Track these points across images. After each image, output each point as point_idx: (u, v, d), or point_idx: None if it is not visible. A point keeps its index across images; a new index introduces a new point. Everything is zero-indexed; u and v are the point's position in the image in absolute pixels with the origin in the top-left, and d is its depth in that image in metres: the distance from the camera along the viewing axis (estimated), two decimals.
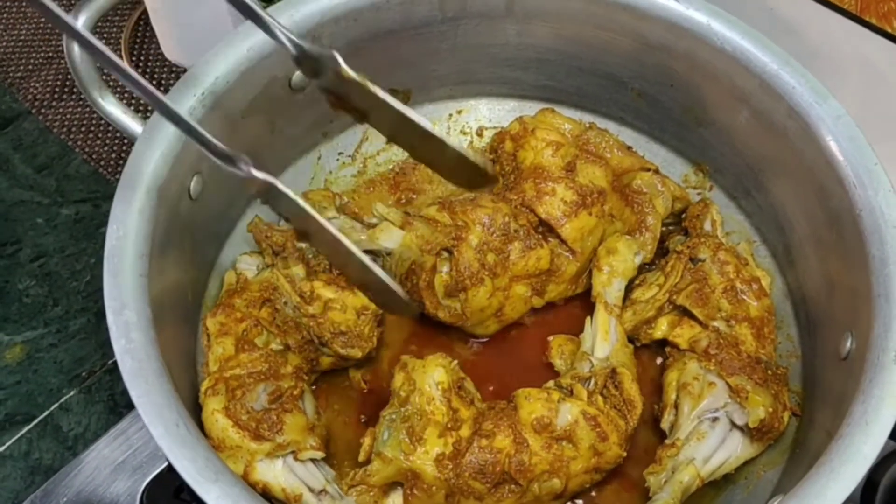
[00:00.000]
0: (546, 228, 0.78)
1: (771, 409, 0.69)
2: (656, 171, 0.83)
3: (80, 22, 0.64)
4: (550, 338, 0.78)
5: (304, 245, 0.76)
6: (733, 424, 0.71)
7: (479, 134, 0.90)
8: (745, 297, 0.75)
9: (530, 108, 0.86)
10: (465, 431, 0.66)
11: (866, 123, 0.71)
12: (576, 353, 0.76)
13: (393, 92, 0.86)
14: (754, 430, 0.69)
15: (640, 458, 0.73)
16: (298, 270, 0.74)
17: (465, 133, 0.90)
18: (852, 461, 0.57)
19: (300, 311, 0.72)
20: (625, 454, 0.70)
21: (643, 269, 0.82)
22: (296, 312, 0.72)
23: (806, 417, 0.72)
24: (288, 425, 0.66)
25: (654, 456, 0.70)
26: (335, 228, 0.55)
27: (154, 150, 0.65)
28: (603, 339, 0.74)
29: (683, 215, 0.84)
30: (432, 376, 0.67)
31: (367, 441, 0.67)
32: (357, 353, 0.73)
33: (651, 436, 0.74)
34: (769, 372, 0.72)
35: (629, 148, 0.84)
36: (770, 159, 0.77)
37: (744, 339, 0.74)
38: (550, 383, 0.73)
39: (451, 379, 0.67)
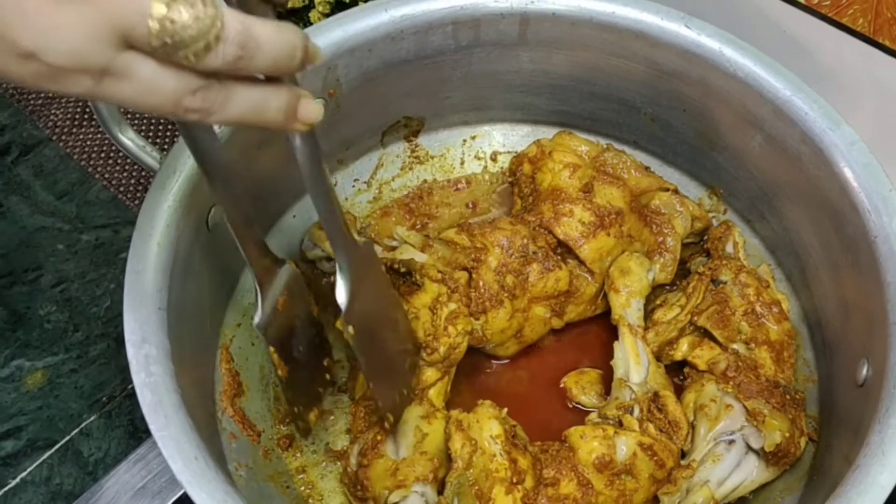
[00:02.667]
0: (565, 250, 0.79)
1: (788, 434, 0.69)
2: (675, 191, 0.84)
3: None
4: (563, 380, 0.78)
5: None
6: (749, 448, 0.71)
7: (494, 159, 0.91)
8: (765, 321, 0.75)
9: (544, 133, 0.87)
10: (529, 483, 0.66)
11: (880, 145, 0.71)
12: (594, 383, 0.77)
13: (407, 119, 0.87)
14: (770, 454, 0.69)
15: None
16: None
17: (479, 158, 0.91)
18: (869, 492, 0.57)
19: None
20: None
21: (664, 289, 0.82)
22: None
23: (823, 443, 0.72)
24: (372, 480, 0.67)
25: (670, 476, 0.70)
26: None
27: (172, 183, 0.66)
28: (636, 363, 0.74)
29: (705, 237, 0.84)
30: (489, 431, 0.67)
31: None
32: (437, 357, 0.72)
33: None
34: (787, 396, 0.72)
35: (647, 168, 0.85)
36: (784, 184, 0.77)
37: (763, 362, 0.74)
38: (594, 416, 0.73)
39: (505, 429, 0.67)
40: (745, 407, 0.70)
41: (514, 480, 0.65)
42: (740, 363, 0.73)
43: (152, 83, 0.43)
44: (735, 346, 0.74)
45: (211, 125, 0.54)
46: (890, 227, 0.66)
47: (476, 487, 0.65)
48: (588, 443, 0.68)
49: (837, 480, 0.59)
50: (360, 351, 0.64)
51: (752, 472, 0.71)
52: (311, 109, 0.50)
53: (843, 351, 0.72)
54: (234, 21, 0.43)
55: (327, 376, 0.74)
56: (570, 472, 0.67)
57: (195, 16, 0.41)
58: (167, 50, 0.42)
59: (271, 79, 0.47)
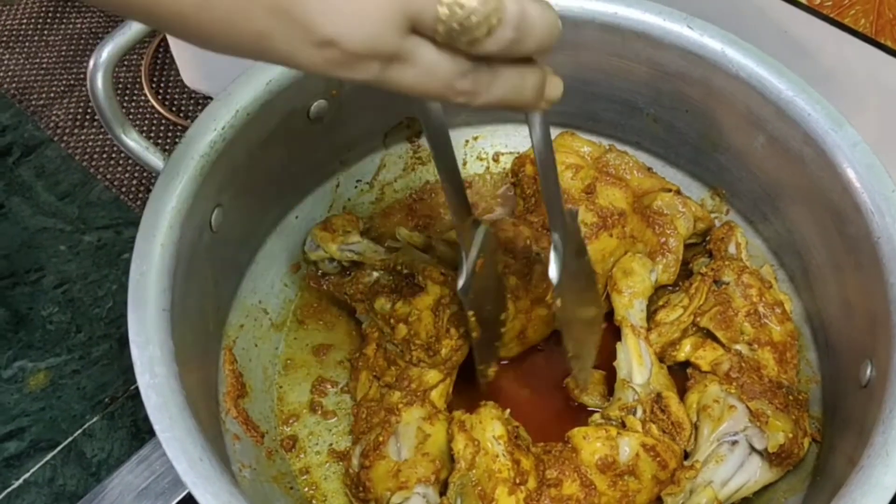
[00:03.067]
0: None
1: (791, 435, 0.69)
2: (677, 192, 0.84)
3: (104, 56, 0.65)
4: (566, 381, 0.78)
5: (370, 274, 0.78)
6: (752, 448, 0.71)
7: (496, 160, 0.91)
8: (767, 322, 0.75)
9: None
10: (531, 483, 0.66)
11: (883, 146, 0.71)
12: (597, 383, 0.77)
13: (409, 120, 0.87)
14: (773, 455, 0.69)
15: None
16: (383, 305, 0.75)
17: (481, 159, 0.91)
18: (873, 493, 0.57)
19: (399, 346, 0.74)
20: None
21: (666, 290, 0.82)
22: (399, 348, 0.74)
23: (827, 443, 0.72)
24: (374, 481, 0.67)
25: (673, 477, 0.70)
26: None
27: (176, 185, 0.66)
28: (638, 363, 0.74)
29: (708, 237, 0.84)
30: (492, 431, 0.67)
31: None
32: (439, 359, 0.72)
33: None
34: (790, 397, 0.72)
35: (649, 169, 0.85)
36: (786, 185, 0.77)
37: (766, 363, 0.74)
38: (597, 416, 0.73)
39: (507, 430, 0.68)
40: (748, 408, 0.70)
41: (517, 481, 0.66)
42: (743, 364, 0.73)
43: (431, 68, 0.43)
44: (738, 346, 0.74)
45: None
46: (893, 228, 0.66)
47: (479, 488, 0.65)
48: (591, 444, 0.68)
49: (841, 481, 0.59)
50: (563, 322, 0.68)
51: (755, 473, 0.71)
52: (558, 87, 0.50)
53: (846, 352, 0.72)
54: (513, 3, 0.42)
55: (502, 330, 0.74)
56: (573, 473, 0.67)
57: (482, 0, 0.41)
58: (452, 35, 0.42)
59: (528, 59, 0.47)
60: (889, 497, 0.56)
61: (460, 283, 0.63)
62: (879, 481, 0.57)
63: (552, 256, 0.63)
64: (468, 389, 0.76)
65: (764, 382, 0.72)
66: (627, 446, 0.68)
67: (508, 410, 0.70)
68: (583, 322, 0.72)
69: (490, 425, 0.67)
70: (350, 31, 0.40)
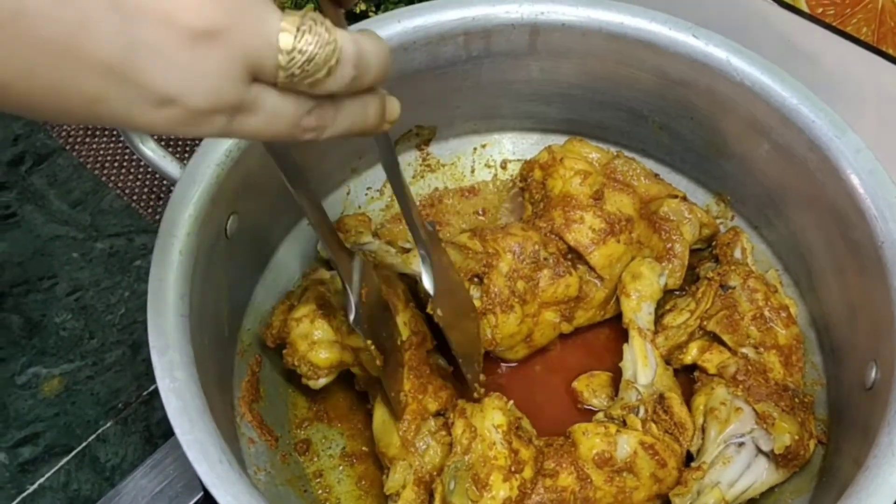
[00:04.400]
0: (575, 256, 0.80)
1: (797, 437, 0.70)
2: (684, 199, 0.85)
3: None
4: (574, 384, 0.79)
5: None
6: (759, 450, 0.72)
7: (503, 167, 0.92)
8: (773, 325, 0.76)
9: (553, 141, 0.88)
10: (527, 473, 0.67)
11: (885, 152, 0.72)
12: (605, 386, 0.78)
13: (418, 128, 0.88)
14: (780, 456, 0.70)
15: None
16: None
17: (489, 166, 0.92)
18: (879, 492, 0.58)
19: None
20: None
21: (673, 294, 0.83)
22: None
23: (832, 445, 0.73)
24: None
25: (681, 478, 0.71)
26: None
27: (193, 193, 0.67)
28: (644, 365, 0.75)
29: (714, 243, 0.85)
30: (491, 420, 0.68)
31: (437, 491, 0.68)
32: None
33: None
34: (796, 400, 0.73)
35: (656, 175, 0.86)
36: (791, 190, 0.78)
37: (772, 366, 0.75)
38: (601, 415, 0.74)
39: (509, 420, 0.69)
40: (754, 410, 0.71)
41: (513, 469, 0.67)
42: (749, 367, 0.74)
43: (275, 112, 0.43)
44: (744, 350, 0.75)
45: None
46: None
47: (473, 472, 0.66)
48: (590, 439, 0.70)
49: (847, 482, 0.60)
50: (450, 329, 0.70)
51: (761, 475, 0.72)
52: (395, 107, 0.51)
53: (850, 354, 0.73)
54: (349, 42, 0.43)
55: (401, 355, 0.74)
56: (570, 466, 0.68)
57: (320, 44, 0.41)
58: (293, 80, 0.42)
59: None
60: (895, 498, 0.57)
61: (351, 315, 0.64)
62: (886, 481, 0.58)
63: (423, 270, 0.67)
64: (482, 388, 0.77)
65: (770, 385, 0.73)
66: (626, 444, 0.70)
67: (512, 402, 0.71)
68: (464, 326, 0.74)
69: (490, 414, 0.69)
70: (191, 89, 0.39)
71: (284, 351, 0.74)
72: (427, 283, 0.67)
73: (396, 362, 0.72)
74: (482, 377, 0.76)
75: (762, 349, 0.75)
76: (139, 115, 0.39)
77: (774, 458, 0.71)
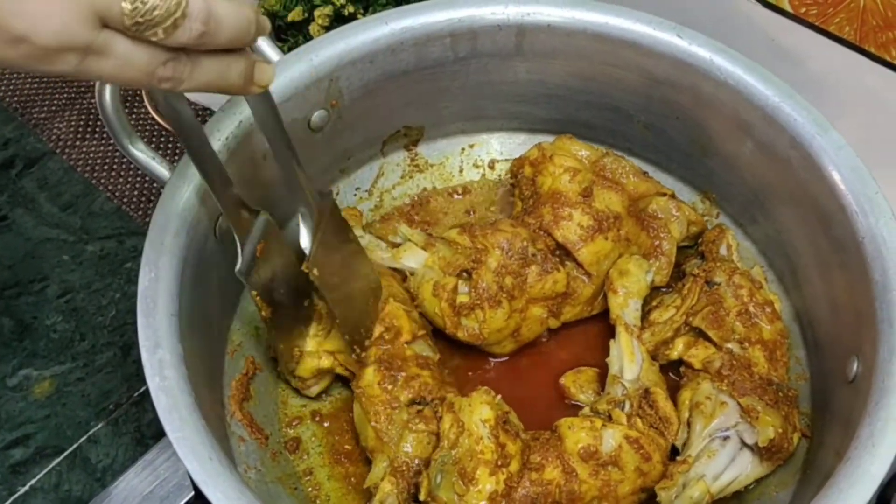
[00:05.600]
0: (563, 252, 0.81)
1: (781, 430, 0.71)
2: (672, 196, 0.86)
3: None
4: (561, 380, 0.80)
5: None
6: (743, 444, 0.73)
7: (491, 167, 0.92)
8: (758, 321, 0.77)
9: (540, 141, 0.89)
10: (514, 466, 0.68)
11: (867, 149, 0.73)
12: (591, 381, 0.79)
13: (407, 129, 0.89)
14: (764, 449, 0.71)
15: None
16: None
17: (477, 166, 0.93)
18: (861, 482, 0.58)
19: None
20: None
21: (660, 291, 0.84)
22: None
23: (816, 439, 0.74)
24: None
25: (666, 471, 0.72)
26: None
27: (183, 193, 0.67)
28: (630, 360, 0.76)
29: (700, 239, 0.86)
30: (479, 415, 0.69)
31: (423, 485, 0.69)
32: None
33: None
34: (780, 394, 0.74)
35: (645, 173, 0.86)
36: (774, 188, 0.79)
37: (756, 361, 0.75)
38: (587, 410, 0.75)
39: (496, 415, 0.69)
40: (739, 404, 0.72)
41: (500, 463, 0.67)
42: (734, 362, 0.75)
43: (128, 58, 0.48)
44: (729, 345, 0.76)
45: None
46: (877, 228, 0.69)
47: (460, 466, 0.67)
48: (575, 433, 0.70)
49: (830, 474, 0.61)
50: (325, 289, 0.72)
51: (746, 468, 0.72)
52: (266, 72, 0.56)
53: (833, 348, 0.74)
54: (198, 1, 0.48)
55: (309, 315, 0.78)
56: (556, 460, 0.69)
57: None
58: (139, 29, 0.47)
59: (231, 50, 0.53)
60: (876, 486, 0.58)
61: (238, 265, 0.67)
62: (866, 471, 0.59)
63: (302, 226, 0.71)
64: (465, 384, 0.78)
65: (755, 380, 0.74)
66: (611, 438, 0.70)
67: (500, 396, 0.72)
68: (350, 292, 0.76)
69: (478, 409, 0.69)
70: (39, 28, 0.44)
71: (278, 367, 0.78)
72: (304, 241, 0.71)
73: (296, 320, 0.76)
74: (366, 343, 0.76)
75: (747, 344, 0.76)
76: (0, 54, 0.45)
77: (759, 452, 0.72)
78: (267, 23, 0.55)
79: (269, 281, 0.70)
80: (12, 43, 0.45)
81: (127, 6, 0.46)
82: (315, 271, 0.71)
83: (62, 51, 0.46)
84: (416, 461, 0.71)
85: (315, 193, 0.71)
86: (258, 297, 0.70)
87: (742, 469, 0.72)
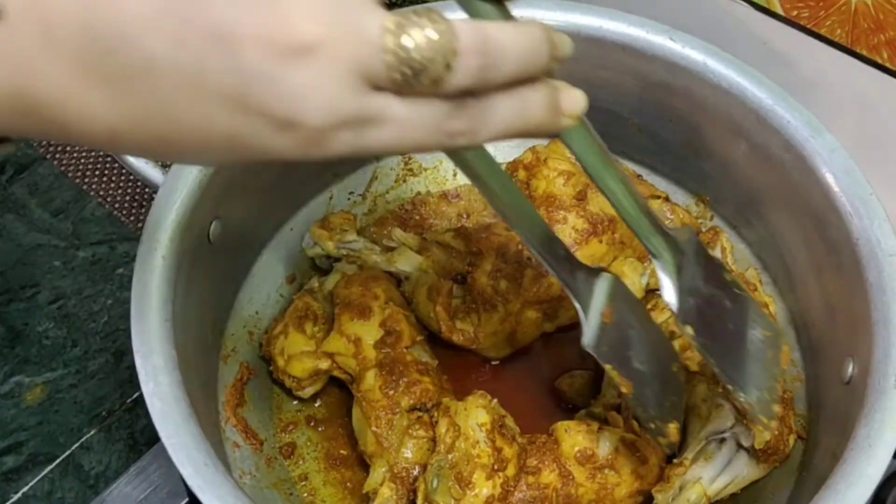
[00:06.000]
0: None
1: (776, 432, 0.71)
2: (666, 199, 0.86)
3: None
4: (557, 383, 0.80)
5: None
6: (740, 446, 0.72)
7: None
8: None
9: (534, 144, 0.89)
10: (510, 470, 0.68)
11: (860, 150, 0.74)
12: (587, 384, 0.79)
13: None
14: (760, 452, 0.71)
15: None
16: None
17: None
18: (857, 484, 0.58)
19: None
20: None
21: (654, 294, 0.84)
22: None
23: (812, 441, 0.74)
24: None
25: (663, 474, 0.72)
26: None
27: (176, 198, 0.67)
28: None
29: None
30: (475, 419, 0.69)
31: (420, 490, 0.69)
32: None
33: None
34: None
35: (639, 177, 0.87)
36: (768, 190, 0.79)
37: None
38: (583, 413, 0.75)
39: (492, 418, 0.69)
40: (735, 406, 0.72)
41: (496, 467, 0.67)
42: None
43: (408, 120, 0.40)
44: None
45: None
46: (871, 230, 0.69)
47: (456, 470, 0.67)
48: (572, 436, 0.70)
49: (826, 476, 0.61)
50: (706, 350, 0.59)
51: (742, 470, 0.72)
52: (575, 98, 0.46)
53: (829, 350, 0.74)
54: (468, 30, 0.39)
55: (680, 380, 0.66)
56: (553, 464, 0.69)
57: (426, 37, 0.38)
58: (409, 80, 0.39)
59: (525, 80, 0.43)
60: (872, 488, 0.58)
61: (584, 338, 0.58)
62: (863, 473, 0.59)
63: (661, 275, 0.59)
64: (460, 388, 0.78)
65: None
66: (608, 441, 0.70)
67: (496, 400, 0.71)
68: (733, 346, 0.62)
69: (474, 413, 0.69)
70: (305, 107, 0.38)
71: (270, 367, 0.77)
72: (668, 293, 0.58)
73: (663, 390, 0.63)
74: (773, 409, 0.63)
75: None
76: (270, 143, 0.39)
77: (755, 454, 0.72)
78: (565, 39, 0.45)
79: (625, 349, 0.60)
80: (281, 130, 0.38)
81: (389, 58, 0.38)
82: (689, 329, 0.58)
83: (336, 128, 0.38)
84: (416, 467, 0.70)
85: (671, 232, 0.58)
86: (614, 371, 0.59)
87: (739, 471, 0.72)
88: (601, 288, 0.60)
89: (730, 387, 0.61)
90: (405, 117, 0.40)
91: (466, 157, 0.51)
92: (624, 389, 0.61)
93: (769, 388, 0.63)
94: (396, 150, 0.41)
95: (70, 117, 0.38)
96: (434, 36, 0.38)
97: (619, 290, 0.61)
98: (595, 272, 0.61)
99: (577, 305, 0.59)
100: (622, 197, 0.56)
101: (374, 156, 0.54)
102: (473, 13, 0.46)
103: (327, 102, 0.38)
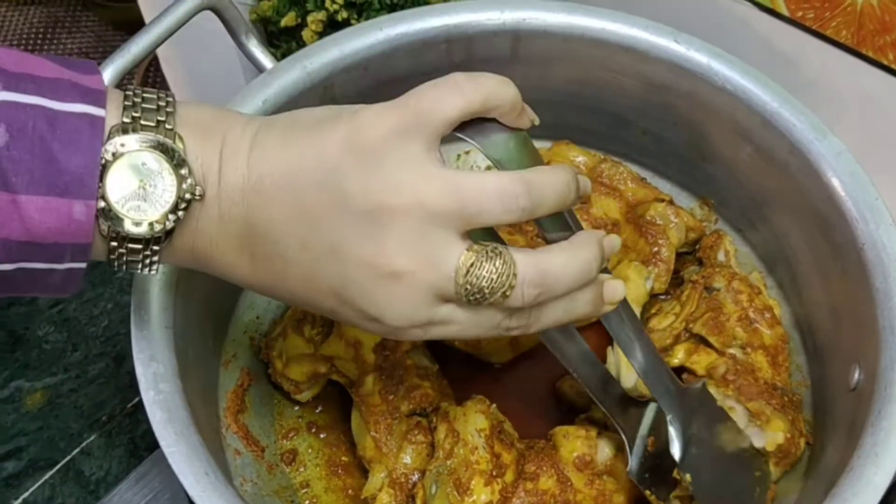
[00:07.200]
0: None
1: (789, 434, 0.71)
2: (670, 202, 0.85)
3: (107, 79, 0.66)
4: (559, 385, 0.79)
5: None
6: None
7: None
8: (758, 326, 0.77)
9: (537, 146, 0.88)
10: (509, 476, 0.67)
11: (865, 153, 0.73)
12: None
13: None
14: (772, 454, 0.71)
15: None
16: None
17: None
18: (864, 492, 0.58)
19: None
20: None
21: (658, 298, 0.83)
22: None
23: (818, 446, 0.74)
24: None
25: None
26: None
27: None
28: (627, 368, 0.75)
29: (697, 245, 0.86)
30: (474, 424, 0.68)
31: (419, 496, 0.68)
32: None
33: None
34: (785, 398, 0.73)
35: (643, 179, 0.86)
36: (773, 193, 0.79)
37: (760, 366, 0.75)
38: (582, 417, 0.75)
39: (491, 424, 0.69)
40: (746, 409, 0.71)
41: (495, 473, 0.67)
42: (738, 367, 0.74)
43: (470, 323, 0.51)
44: (731, 350, 0.75)
45: None
46: (877, 235, 0.68)
47: (455, 476, 0.67)
48: (571, 442, 0.70)
49: (832, 483, 0.60)
50: (700, 494, 0.66)
51: None
52: (616, 290, 0.57)
53: (835, 356, 0.74)
54: (528, 265, 0.50)
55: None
56: (551, 469, 0.69)
57: (491, 271, 0.49)
58: (473, 302, 0.50)
59: None
60: (879, 496, 0.58)
61: (631, 465, 0.66)
62: (870, 481, 0.58)
63: (670, 429, 0.66)
64: (462, 393, 0.77)
65: (760, 384, 0.73)
66: (607, 447, 0.70)
67: (495, 405, 0.71)
68: (728, 490, 0.69)
69: (473, 418, 0.69)
70: (388, 312, 0.50)
71: (269, 370, 0.77)
72: (674, 448, 0.66)
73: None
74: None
75: (749, 349, 0.75)
76: (360, 325, 0.52)
77: (767, 457, 0.71)
78: (587, 184, 0.57)
79: (665, 474, 0.66)
80: (369, 321, 0.51)
81: (460, 286, 0.49)
82: (688, 477, 0.65)
83: (409, 328, 0.51)
84: (415, 473, 0.70)
85: (683, 389, 0.67)
86: (653, 496, 0.66)
87: None
88: (648, 418, 0.68)
89: None
90: (467, 321, 0.51)
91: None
92: None
93: None
94: (459, 340, 0.56)
95: (225, 272, 0.53)
96: (497, 271, 0.49)
97: (661, 419, 0.67)
98: (644, 405, 0.68)
99: (624, 438, 0.66)
100: (647, 366, 0.65)
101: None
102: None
103: (406, 313, 0.50)
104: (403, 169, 0.49)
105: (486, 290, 0.49)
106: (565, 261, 0.51)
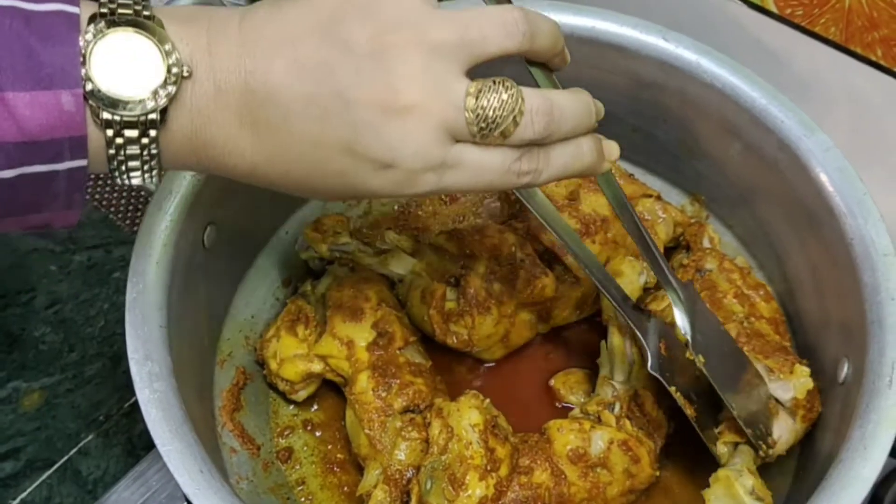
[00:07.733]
0: (551, 256, 0.80)
1: (811, 386, 0.71)
2: (658, 198, 0.86)
3: None
4: (551, 381, 0.80)
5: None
6: (778, 402, 0.72)
7: None
8: (754, 301, 0.77)
9: None
10: (503, 470, 0.68)
11: (854, 148, 0.74)
12: (582, 383, 0.79)
13: None
14: (799, 404, 0.71)
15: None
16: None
17: None
18: (853, 485, 0.59)
19: None
20: (657, 473, 0.72)
21: (649, 293, 0.84)
22: None
23: (808, 441, 0.74)
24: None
25: (692, 467, 0.74)
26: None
27: (170, 203, 0.67)
28: (621, 361, 0.76)
29: (681, 236, 0.86)
30: (468, 419, 0.69)
31: (414, 492, 0.69)
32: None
33: None
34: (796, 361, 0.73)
35: (631, 176, 0.87)
36: (763, 190, 0.79)
37: (766, 332, 0.75)
38: (576, 411, 0.75)
39: (485, 419, 0.69)
40: (766, 366, 0.72)
41: (489, 468, 0.67)
42: (749, 331, 0.74)
43: (481, 164, 0.51)
44: (735, 321, 0.76)
45: None
46: (865, 230, 0.69)
47: (450, 472, 0.67)
48: (564, 435, 0.70)
49: (822, 477, 0.61)
50: (715, 379, 0.70)
51: (786, 424, 0.71)
52: (613, 148, 0.59)
53: (824, 351, 0.74)
54: (535, 96, 0.51)
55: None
56: (545, 463, 0.69)
57: (500, 99, 0.49)
58: (485, 133, 0.50)
59: None
60: (868, 489, 0.58)
61: (649, 363, 0.70)
62: (858, 474, 0.59)
63: (676, 312, 0.72)
64: (454, 390, 0.78)
65: (773, 344, 0.73)
66: (600, 440, 0.70)
67: (488, 400, 0.72)
68: (744, 382, 0.72)
69: (467, 413, 0.69)
70: (402, 153, 0.49)
71: (264, 371, 0.78)
72: (684, 328, 0.72)
73: (713, 410, 0.73)
74: (770, 440, 0.72)
75: (753, 318, 0.76)
76: (371, 181, 0.50)
77: (793, 410, 0.71)
78: (602, 107, 0.57)
79: (683, 379, 0.71)
80: (381, 170, 0.49)
81: (469, 116, 0.49)
82: (701, 358, 0.70)
83: (424, 171, 0.50)
84: (410, 469, 0.70)
85: (679, 283, 0.72)
86: (678, 393, 0.70)
87: (782, 430, 0.71)
88: (654, 327, 0.72)
89: (734, 411, 0.70)
90: (478, 162, 0.51)
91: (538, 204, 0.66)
92: (689, 412, 0.71)
93: (764, 423, 0.72)
94: (471, 189, 0.53)
95: (226, 155, 0.50)
96: (506, 98, 0.50)
97: (665, 330, 0.73)
98: (648, 314, 0.73)
99: (641, 338, 0.70)
100: (646, 236, 0.68)
101: (452, 193, 0.72)
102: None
103: (419, 149, 0.49)
104: (404, 8, 0.48)
105: (497, 118, 0.49)
106: (568, 97, 0.53)
